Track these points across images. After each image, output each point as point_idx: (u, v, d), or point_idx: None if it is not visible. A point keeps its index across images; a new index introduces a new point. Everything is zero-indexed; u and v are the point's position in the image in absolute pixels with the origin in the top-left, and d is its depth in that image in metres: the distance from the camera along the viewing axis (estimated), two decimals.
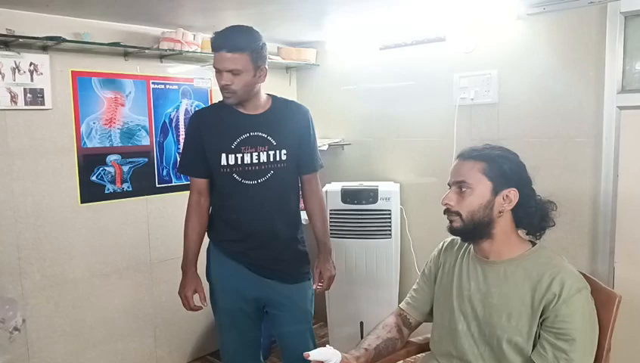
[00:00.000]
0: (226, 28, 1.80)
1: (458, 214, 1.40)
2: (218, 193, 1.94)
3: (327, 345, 1.48)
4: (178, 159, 2.63)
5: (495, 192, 1.39)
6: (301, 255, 2.00)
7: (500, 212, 1.39)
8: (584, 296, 1.31)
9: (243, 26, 1.80)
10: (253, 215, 1.89)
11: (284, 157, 1.89)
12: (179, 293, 1.97)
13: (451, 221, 1.44)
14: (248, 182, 1.86)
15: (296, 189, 2.02)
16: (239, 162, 1.85)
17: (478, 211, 1.38)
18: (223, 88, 1.80)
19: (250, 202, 1.88)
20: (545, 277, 1.33)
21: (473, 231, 1.41)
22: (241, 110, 1.87)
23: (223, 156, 1.85)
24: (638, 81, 2.12)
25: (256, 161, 1.86)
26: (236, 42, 1.75)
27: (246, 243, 1.91)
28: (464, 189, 1.40)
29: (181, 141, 2.78)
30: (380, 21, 2.68)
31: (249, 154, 1.85)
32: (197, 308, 1.98)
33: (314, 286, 2.06)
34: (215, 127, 1.88)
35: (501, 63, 2.48)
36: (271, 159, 1.87)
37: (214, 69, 1.80)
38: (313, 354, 1.44)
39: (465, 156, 1.45)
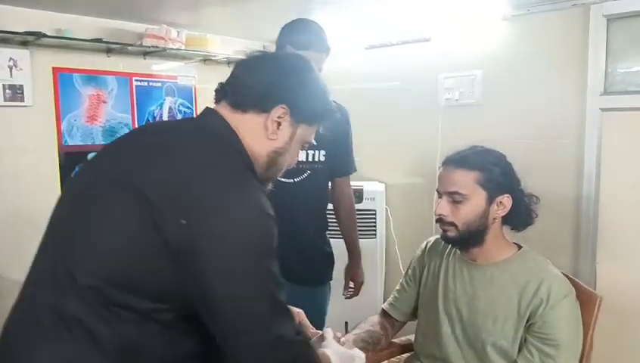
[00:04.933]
0: (301, 22, 1.83)
1: (453, 224, 1.39)
2: None
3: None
4: None
5: (490, 200, 1.38)
6: (327, 257, 1.97)
7: (494, 219, 1.40)
8: (570, 301, 1.33)
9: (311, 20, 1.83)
10: (286, 214, 1.84)
11: (322, 158, 1.86)
12: None
13: (445, 231, 1.42)
14: (285, 180, 1.80)
15: (327, 190, 1.99)
16: None
17: (474, 221, 1.37)
18: None
19: (284, 200, 1.83)
20: (531, 283, 1.33)
21: (468, 240, 1.41)
22: None
23: None
24: (619, 83, 2.14)
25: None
26: (324, 39, 1.81)
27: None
28: (458, 199, 1.37)
29: None
30: (365, 20, 2.67)
31: None
32: None
33: (344, 293, 2.02)
34: None
35: (486, 64, 2.48)
36: (310, 159, 1.85)
37: None
38: None
39: (456, 163, 1.41)
